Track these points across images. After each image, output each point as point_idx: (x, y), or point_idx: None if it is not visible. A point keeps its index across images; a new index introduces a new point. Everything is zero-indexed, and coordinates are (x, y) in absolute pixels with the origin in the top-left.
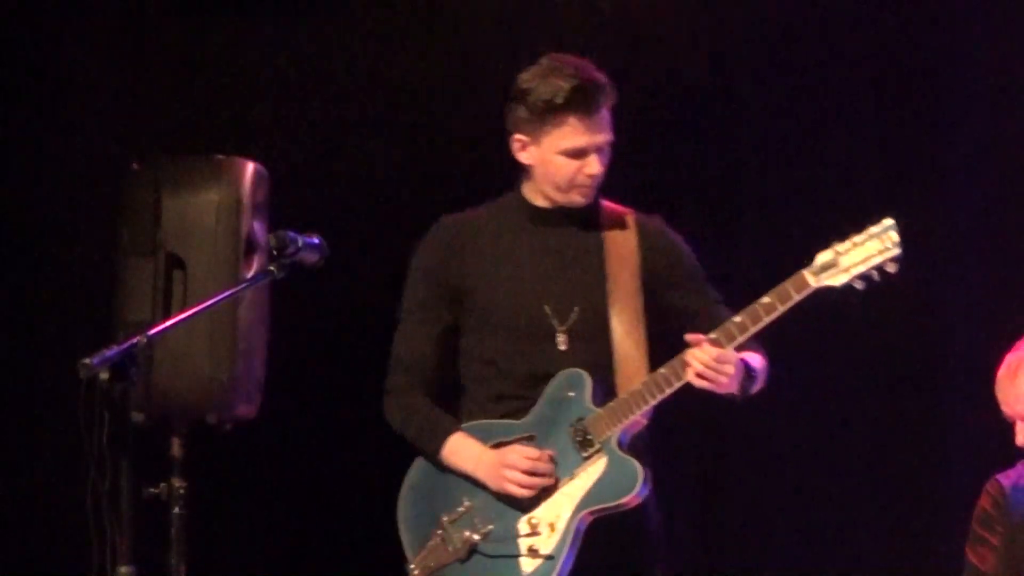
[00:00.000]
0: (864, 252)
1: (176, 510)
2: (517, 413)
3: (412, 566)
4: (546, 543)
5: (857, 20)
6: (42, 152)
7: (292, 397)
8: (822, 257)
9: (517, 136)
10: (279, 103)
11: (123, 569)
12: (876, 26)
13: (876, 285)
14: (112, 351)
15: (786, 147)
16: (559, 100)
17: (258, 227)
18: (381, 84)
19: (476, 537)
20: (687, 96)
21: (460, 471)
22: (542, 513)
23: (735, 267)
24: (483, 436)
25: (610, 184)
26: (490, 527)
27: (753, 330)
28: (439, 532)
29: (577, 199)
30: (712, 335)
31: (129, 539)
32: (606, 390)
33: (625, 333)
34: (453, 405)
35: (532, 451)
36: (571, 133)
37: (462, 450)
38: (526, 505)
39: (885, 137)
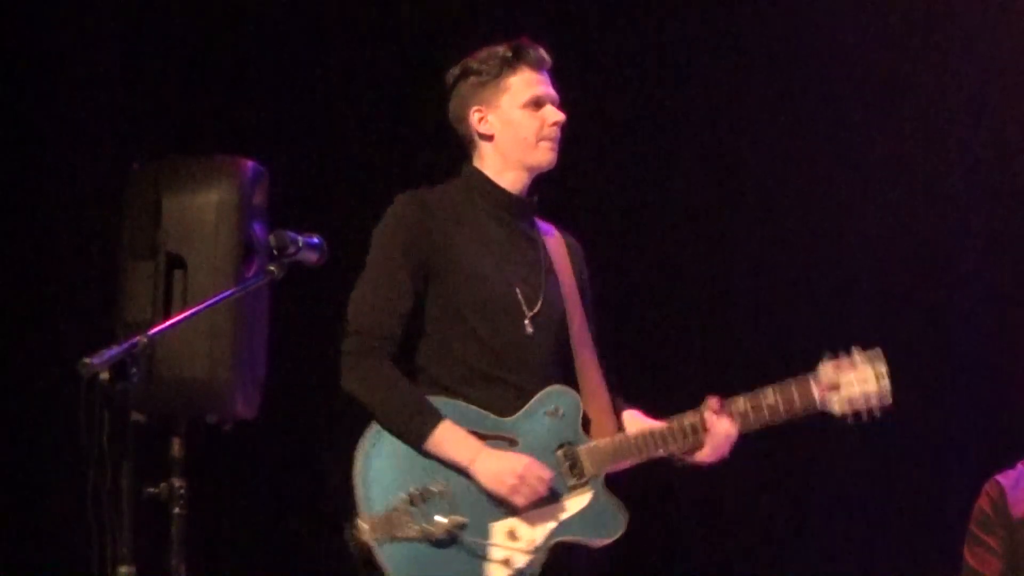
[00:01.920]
0: (861, 385)
1: (176, 510)
2: (494, 398)
3: (364, 524)
4: (521, 559)
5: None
6: (43, 152)
7: (292, 397)
8: (826, 374)
9: (475, 108)
10: (279, 103)
11: (123, 569)
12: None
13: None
14: (112, 351)
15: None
16: (508, 54)
17: (258, 227)
18: (382, 84)
19: (448, 523)
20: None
21: (447, 460)
22: (522, 527)
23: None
24: (458, 419)
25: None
26: (464, 518)
27: (754, 426)
28: (405, 502)
29: (547, 155)
30: (728, 414)
31: (129, 539)
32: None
33: (578, 334)
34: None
35: (546, 473)
36: (527, 83)
37: (456, 441)
38: (508, 511)
39: (883, 136)
